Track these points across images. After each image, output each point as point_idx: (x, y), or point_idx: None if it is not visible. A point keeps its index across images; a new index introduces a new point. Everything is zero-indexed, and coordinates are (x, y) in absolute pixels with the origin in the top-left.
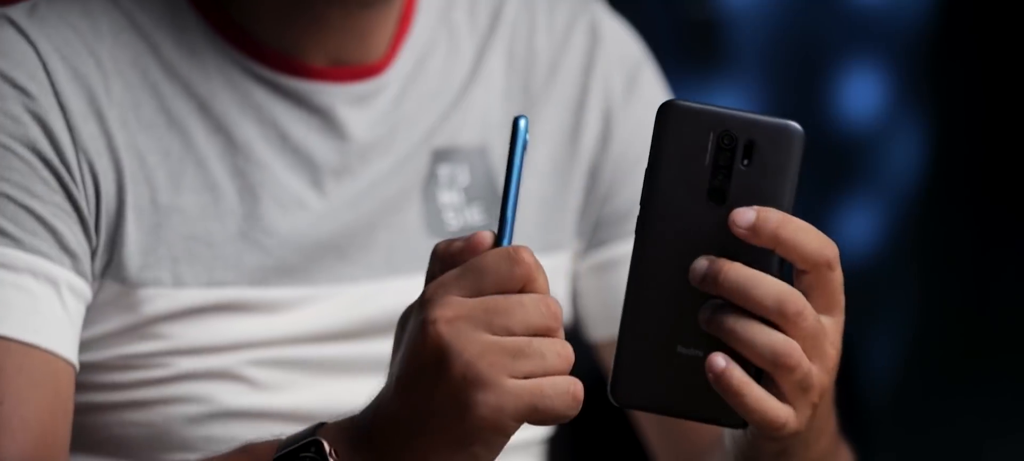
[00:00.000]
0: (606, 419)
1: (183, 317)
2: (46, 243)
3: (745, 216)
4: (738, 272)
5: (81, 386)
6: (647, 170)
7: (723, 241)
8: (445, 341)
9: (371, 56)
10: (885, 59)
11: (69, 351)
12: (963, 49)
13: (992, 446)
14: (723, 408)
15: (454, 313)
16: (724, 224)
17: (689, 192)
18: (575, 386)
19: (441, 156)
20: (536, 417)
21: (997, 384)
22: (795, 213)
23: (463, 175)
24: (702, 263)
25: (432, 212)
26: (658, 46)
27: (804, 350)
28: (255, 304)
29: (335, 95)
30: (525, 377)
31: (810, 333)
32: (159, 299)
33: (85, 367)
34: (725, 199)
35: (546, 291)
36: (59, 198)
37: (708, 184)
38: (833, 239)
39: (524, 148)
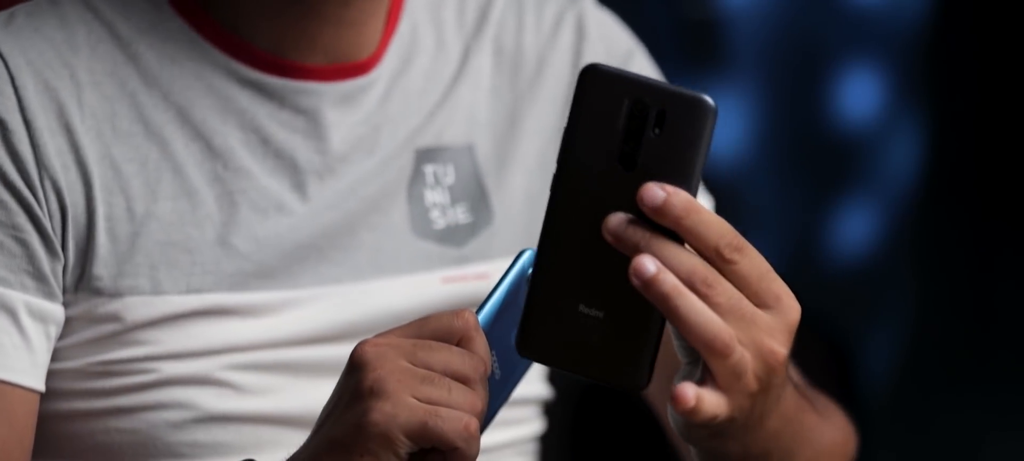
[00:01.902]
0: (603, 419)
1: (163, 323)
2: (3, 269)
3: (654, 195)
4: (658, 242)
5: (64, 393)
6: (565, 130)
7: (631, 206)
8: (367, 358)
9: (363, 52)
10: (883, 60)
11: (27, 378)
12: (961, 50)
13: (990, 443)
14: (621, 369)
15: (385, 341)
16: (632, 190)
17: (601, 155)
18: (471, 421)
19: (426, 155)
20: (425, 436)
21: (995, 382)
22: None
23: (449, 174)
24: (619, 217)
25: (417, 212)
26: (658, 46)
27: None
28: (235, 308)
29: (322, 95)
30: (427, 401)
31: (728, 307)
32: (138, 307)
33: (66, 374)
34: (635, 165)
35: (482, 353)
36: (21, 219)
37: (619, 149)
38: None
39: (520, 276)
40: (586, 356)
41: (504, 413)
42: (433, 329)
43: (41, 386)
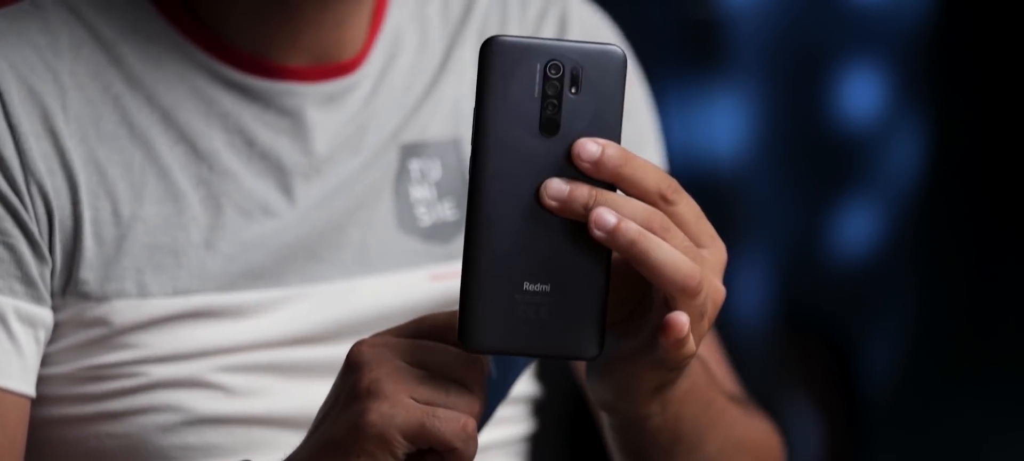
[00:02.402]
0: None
1: (151, 327)
2: None
3: (589, 150)
4: (607, 196)
5: (54, 399)
6: (475, 110)
7: (559, 172)
8: (364, 358)
9: (346, 53)
10: (885, 59)
11: (18, 383)
12: (962, 49)
13: (991, 445)
14: (575, 340)
15: (382, 340)
16: (558, 155)
17: (520, 126)
18: (469, 422)
19: (411, 151)
20: (423, 437)
21: (996, 383)
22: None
23: (434, 169)
24: (557, 181)
25: (404, 208)
26: (658, 46)
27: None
28: (223, 310)
29: (305, 96)
30: (424, 402)
31: (682, 247)
32: (125, 310)
33: (55, 380)
34: (557, 129)
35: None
36: (8, 224)
37: (539, 116)
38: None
39: None
40: (537, 334)
41: (506, 397)
42: (430, 329)
43: (32, 391)
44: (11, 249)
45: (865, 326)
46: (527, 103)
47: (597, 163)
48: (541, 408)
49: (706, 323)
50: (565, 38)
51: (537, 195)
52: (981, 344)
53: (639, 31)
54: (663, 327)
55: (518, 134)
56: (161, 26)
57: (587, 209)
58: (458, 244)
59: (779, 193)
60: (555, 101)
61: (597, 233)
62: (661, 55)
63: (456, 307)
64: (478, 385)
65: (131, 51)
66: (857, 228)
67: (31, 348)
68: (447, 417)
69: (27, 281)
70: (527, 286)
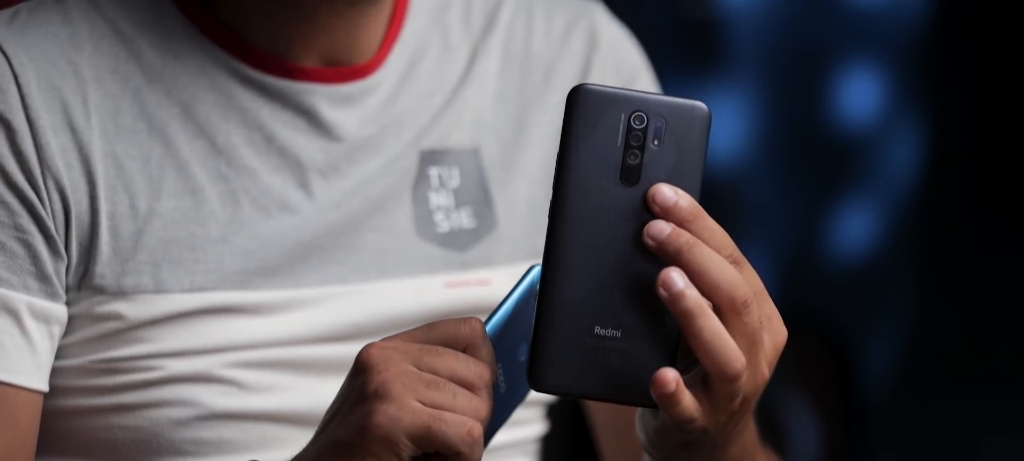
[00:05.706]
0: None
1: (166, 321)
2: (5, 270)
3: (664, 194)
4: (702, 251)
5: (66, 390)
6: (559, 155)
7: (638, 221)
8: (373, 360)
9: (360, 57)
10: (883, 60)
11: (31, 380)
12: (961, 50)
13: (990, 445)
14: (643, 387)
15: (391, 345)
16: (638, 204)
17: (602, 174)
18: (475, 427)
19: (431, 157)
20: (429, 440)
21: (995, 383)
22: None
23: (454, 177)
24: (664, 227)
25: (422, 214)
26: (658, 46)
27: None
28: (239, 306)
29: (321, 95)
30: (431, 405)
31: (750, 331)
32: (141, 305)
33: (69, 371)
34: (638, 179)
35: (488, 362)
36: (25, 220)
37: (620, 165)
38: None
39: (528, 291)
40: (605, 378)
41: (512, 414)
42: (440, 335)
43: (44, 387)
44: (27, 245)
45: (863, 326)
46: (610, 151)
47: (669, 210)
48: (552, 411)
49: (737, 404)
50: (644, 89)
51: (616, 242)
52: (979, 344)
53: (639, 31)
54: (652, 379)
55: (599, 181)
56: (180, 21)
57: (679, 257)
58: (474, 253)
59: (777, 193)
60: (637, 151)
61: (661, 292)
62: (660, 55)
63: (469, 315)
64: (486, 392)
65: (150, 46)
66: (855, 228)
67: (44, 345)
68: (453, 421)
69: (41, 277)
70: (598, 330)
